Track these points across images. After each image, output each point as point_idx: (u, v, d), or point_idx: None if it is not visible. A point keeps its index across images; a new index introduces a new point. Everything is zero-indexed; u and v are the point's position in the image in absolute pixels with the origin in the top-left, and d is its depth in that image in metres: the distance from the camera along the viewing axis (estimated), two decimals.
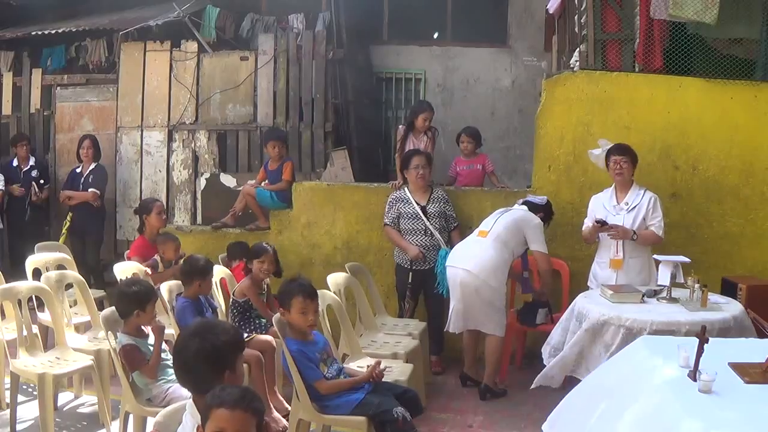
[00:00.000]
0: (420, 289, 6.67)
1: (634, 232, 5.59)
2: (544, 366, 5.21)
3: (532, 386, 5.24)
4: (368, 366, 4.60)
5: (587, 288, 5.88)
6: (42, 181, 9.05)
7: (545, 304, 6.16)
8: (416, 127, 7.20)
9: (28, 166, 9.02)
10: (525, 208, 6.15)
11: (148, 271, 6.34)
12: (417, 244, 6.55)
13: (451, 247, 6.39)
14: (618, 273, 5.69)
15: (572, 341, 4.98)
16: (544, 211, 6.18)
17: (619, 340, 4.67)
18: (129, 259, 6.67)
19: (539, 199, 6.27)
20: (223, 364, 3.05)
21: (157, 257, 6.57)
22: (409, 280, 6.63)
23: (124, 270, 6.29)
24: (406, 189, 6.70)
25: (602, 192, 5.98)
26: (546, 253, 6.00)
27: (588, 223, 5.87)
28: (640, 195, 5.75)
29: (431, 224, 6.54)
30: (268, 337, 5.51)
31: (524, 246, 6.00)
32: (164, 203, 7.15)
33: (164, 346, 4.57)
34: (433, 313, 6.64)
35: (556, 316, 6.10)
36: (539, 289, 6.17)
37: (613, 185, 5.89)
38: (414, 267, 6.58)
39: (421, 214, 6.56)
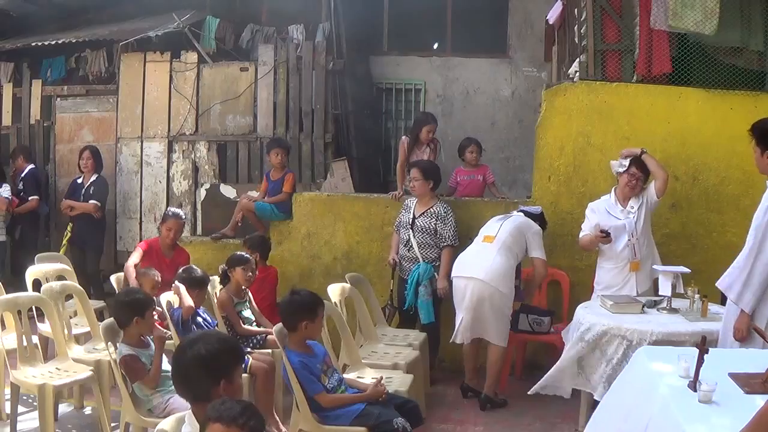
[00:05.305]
0: (401, 298, 6.62)
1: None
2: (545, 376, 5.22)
3: (530, 392, 5.31)
4: (372, 379, 4.58)
5: (590, 296, 5.89)
6: (23, 194, 8.79)
7: (534, 310, 6.22)
8: (420, 139, 7.21)
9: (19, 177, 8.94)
10: (522, 215, 6.17)
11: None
12: (399, 253, 6.62)
13: (437, 265, 6.42)
14: (636, 275, 5.73)
15: (572, 351, 4.98)
16: (539, 221, 6.19)
17: (619, 350, 4.67)
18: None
19: (534, 209, 6.29)
20: (219, 372, 3.03)
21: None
22: (391, 287, 6.72)
23: (121, 280, 6.29)
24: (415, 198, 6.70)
25: (599, 200, 5.99)
26: (545, 260, 6.04)
27: (587, 231, 5.88)
28: (640, 197, 5.84)
29: (414, 237, 6.50)
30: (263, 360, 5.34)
31: (524, 253, 6.01)
32: (182, 217, 6.84)
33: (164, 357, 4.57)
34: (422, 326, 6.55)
35: (557, 326, 6.12)
36: (526, 293, 6.23)
37: (612, 192, 5.92)
38: (399, 274, 6.67)
39: (409, 225, 6.56)
